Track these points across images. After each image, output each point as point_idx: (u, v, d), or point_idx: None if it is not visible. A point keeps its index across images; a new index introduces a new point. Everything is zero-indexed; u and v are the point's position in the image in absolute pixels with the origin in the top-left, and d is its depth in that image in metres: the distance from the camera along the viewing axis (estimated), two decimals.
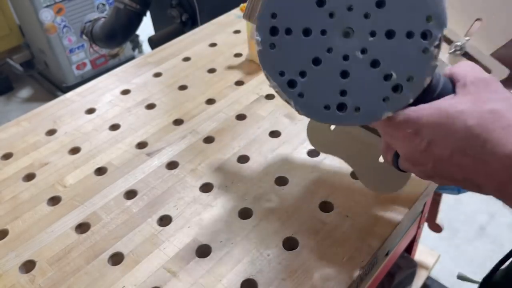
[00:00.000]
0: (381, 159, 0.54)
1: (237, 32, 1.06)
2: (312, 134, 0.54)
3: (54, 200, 0.67)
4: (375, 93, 0.38)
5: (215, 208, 0.63)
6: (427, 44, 0.36)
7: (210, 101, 0.84)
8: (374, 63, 0.37)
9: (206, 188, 0.66)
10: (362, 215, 0.59)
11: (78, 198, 0.66)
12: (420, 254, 1.37)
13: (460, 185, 0.39)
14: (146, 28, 1.80)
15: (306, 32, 0.38)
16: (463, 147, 0.35)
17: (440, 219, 1.33)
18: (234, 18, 1.12)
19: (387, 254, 0.62)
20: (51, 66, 2.45)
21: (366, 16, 0.36)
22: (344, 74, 0.38)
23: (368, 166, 0.52)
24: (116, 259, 0.57)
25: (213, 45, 1.02)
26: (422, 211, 1.05)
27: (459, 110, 0.35)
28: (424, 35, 0.36)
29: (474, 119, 0.35)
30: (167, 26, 1.49)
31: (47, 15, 2.18)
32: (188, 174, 0.68)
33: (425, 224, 1.32)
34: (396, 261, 1.19)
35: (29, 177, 0.71)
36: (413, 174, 0.44)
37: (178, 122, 0.80)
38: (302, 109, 0.39)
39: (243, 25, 1.04)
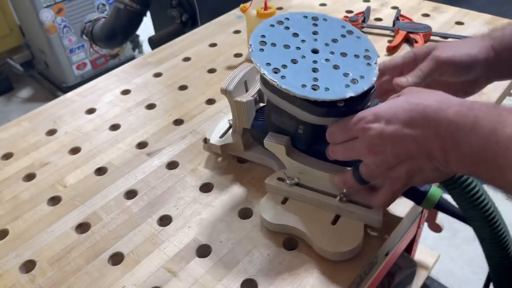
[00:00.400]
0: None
1: (237, 32, 1.06)
2: (265, 210, 0.58)
3: (54, 200, 0.67)
4: (339, 82, 0.51)
5: (215, 208, 0.63)
6: (369, 62, 0.54)
7: (210, 101, 0.84)
8: (336, 67, 0.53)
9: (206, 188, 0.66)
10: None
11: (78, 198, 0.66)
12: (420, 254, 1.37)
13: (420, 166, 0.45)
14: (146, 28, 1.81)
15: (286, 46, 0.54)
16: (410, 116, 0.44)
17: (440, 219, 1.33)
18: (234, 18, 1.12)
19: (387, 254, 0.62)
20: (51, 66, 2.45)
21: (327, 44, 0.56)
22: (315, 70, 0.52)
23: (321, 230, 0.55)
24: (116, 259, 0.58)
25: (213, 45, 1.02)
26: (422, 211, 1.05)
27: (400, 96, 0.47)
28: (366, 57, 0.55)
29: (413, 95, 0.46)
30: (167, 26, 1.49)
31: (47, 15, 2.18)
32: (188, 174, 0.68)
33: (425, 224, 1.32)
34: (396, 261, 1.19)
35: (30, 177, 0.71)
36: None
37: (178, 122, 0.80)
38: (284, 86, 0.50)
39: (243, 25, 1.04)
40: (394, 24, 0.99)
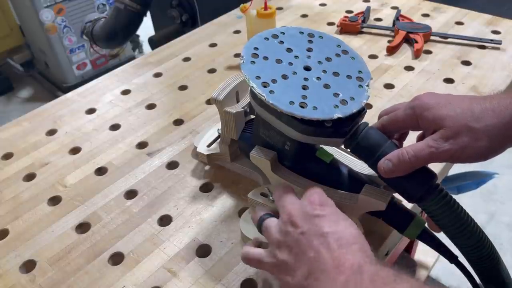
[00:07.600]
0: None
1: (237, 32, 1.06)
2: (245, 224, 0.57)
3: (55, 200, 0.67)
4: (328, 102, 0.50)
5: (215, 208, 0.63)
6: (361, 83, 0.53)
7: (210, 101, 0.84)
8: (326, 86, 0.52)
9: (206, 188, 0.66)
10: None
11: (79, 198, 0.66)
12: (420, 254, 1.36)
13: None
14: (146, 28, 1.81)
15: (278, 61, 0.53)
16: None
17: None
18: (234, 18, 1.12)
19: (387, 254, 0.62)
20: (51, 66, 2.45)
21: (320, 62, 0.54)
22: (305, 87, 0.52)
23: None
24: (116, 259, 0.58)
25: (213, 45, 1.02)
26: (422, 211, 1.05)
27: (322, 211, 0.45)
28: (358, 79, 0.54)
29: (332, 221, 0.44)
30: (167, 26, 1.49)
31: (47, 15, 2.18)
32: (188, 174, 0.69)
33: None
34: (396, 261, 1.19)
35: (30, 177, 0.71)
36: None
37: (178, 122, 0.80)
38: (272, 101, 0.49)
39: (243, 25, 1.04)
40: (394, 24, 0.99)
